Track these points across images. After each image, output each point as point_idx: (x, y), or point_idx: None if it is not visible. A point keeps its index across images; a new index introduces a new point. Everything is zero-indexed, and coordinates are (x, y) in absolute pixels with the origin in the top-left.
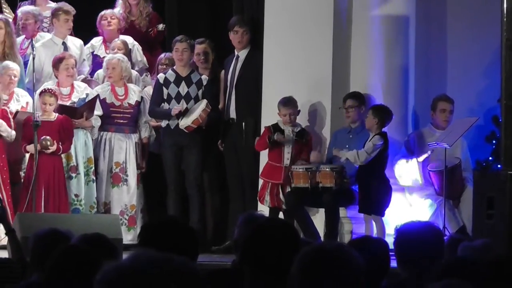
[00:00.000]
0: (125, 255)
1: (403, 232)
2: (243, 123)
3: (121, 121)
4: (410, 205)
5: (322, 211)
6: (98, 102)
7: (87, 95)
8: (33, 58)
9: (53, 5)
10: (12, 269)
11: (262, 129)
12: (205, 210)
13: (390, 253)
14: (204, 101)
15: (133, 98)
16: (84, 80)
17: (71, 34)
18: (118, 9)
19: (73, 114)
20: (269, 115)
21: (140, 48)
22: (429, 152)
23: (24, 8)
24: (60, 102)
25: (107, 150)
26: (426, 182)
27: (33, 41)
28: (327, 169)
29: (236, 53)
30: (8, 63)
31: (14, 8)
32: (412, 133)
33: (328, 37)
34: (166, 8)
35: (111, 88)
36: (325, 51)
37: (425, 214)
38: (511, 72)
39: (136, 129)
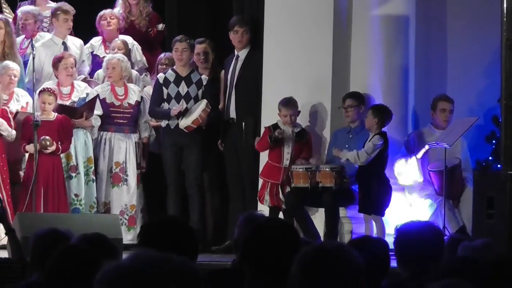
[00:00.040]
0: (125, 255)
1: (403, 232)
2: (243, 123)
3: (121, 121)
4: (410, 205)
5: (322, 211)
6: (98, 102)
7: (87, 94)
8: (33, 58)
9: (53, 5)
10: (12, 269)
11: (262, 129)
12: (205, 210)
13: (390, 253)
14: (204, 101)
15: (133, 98)
16: (84, 81)
17: (71, 34)
18: (118, 9)
19: (73, 113)
20: (269, 115)
21: (139, 48)
22: (426, 147)
23: (24, 8)
24: (60, 101)
25: (107, 150)
26: (426, 182)
27: (33, 41)
28: (327, 169)
29: (236, 53)
30: (8, 63)
31: (14, 8)
32: (412, 133)
33: (328, 37)
34: (166, 8)
35: (111, 88)
36: (325, 51)
37: (425, 214)
38: (511, 72)
39: (136, 129)
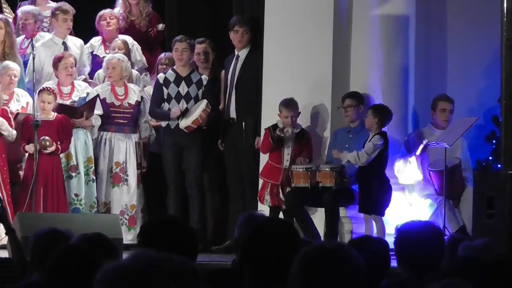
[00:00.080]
0: (125, 255)
1: (403, 232)
2: (243, 123)
3: (121, 121)
4: (410, 204)
5: (322, 210)
6: (98, 102)
7: (87, 94)
8: (33, 58)
9: (53, 4)
10: (12, 269)
11: (262, 129)
12: (205, 210)
13: (390, 253)
14: (204, 101)
15: (133, 98)
16: (84, 81)
17: (71, 34)
18: (118, 9)
19: (73, 113)
20: (269, 114)
21: (139, 47)
22: (424, 142)
23: (24, 8)
24: (60, 101)
25: (107, 150)
26: (426, 182)
27: (33, 41)
28: (327, 169)
29: (236, 52)
30: (9, 63)
31: (14, 8)
32: (412, 132)
33: (328, 37)
34: (166, 8)
35: (111, 88)
36: (325, 51)
37: (425, 214)
38: (511, 72)
39: (136, 129)
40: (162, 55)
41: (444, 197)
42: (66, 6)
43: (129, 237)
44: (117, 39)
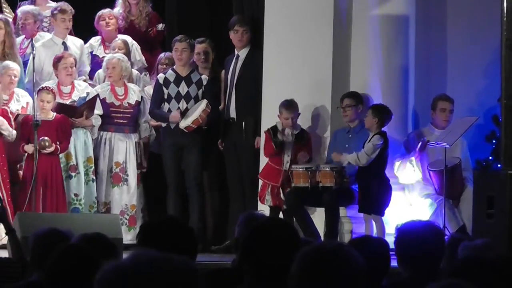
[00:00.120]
0: (125, 255)
1: (404, 231)
2: (243, 123)
3: (121, 121)
4: (410, 204)
5: (322, 210)
6: (98, 101)
7: (87, 94)
8: (33, 58)
9: (53, 4)
10: (12, 269)
11: (262, 129)
12: (205, 210)
13: (391, 253)
14: (204, 101)
15: (133, 98)
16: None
17: (71, 34)
18: (118, 9)
19: (72, 112)
20: (269, 114)
21: (138, 47)
22: (423, 140)
23: (23, 8)
24: (60, 100)
25: (107, 150)
26: (426, 182)
27: (33, 41)
28: (327, 169)
29: (236, 52)
30: (9, 63)
31: (14, 8)
32: (412, 132)
33: (328, 37)
34: (166, 8)
35: (111, 87)
36: (325, 51)
37: (425, 214)
38: (511, 72)
39: (136, 129)
40: (162, 55)
41: (444, 197)
42: (65, 6)
43: (129, 237)
44: (117, 39)
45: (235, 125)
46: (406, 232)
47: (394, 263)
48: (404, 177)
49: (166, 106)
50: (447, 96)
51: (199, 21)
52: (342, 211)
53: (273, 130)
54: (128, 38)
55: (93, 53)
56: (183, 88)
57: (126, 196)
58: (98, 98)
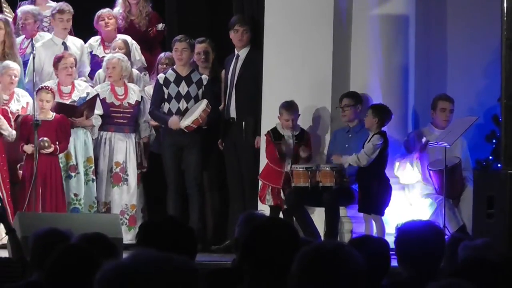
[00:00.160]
0: (125, 255)
1: (404, 231)
2: (243, 123)
3: (121, 120)
4: (410, 204)
5: (322, 210)
6: (98, 101)
7: (87, 94)
8: (33, 58)
9: (53, 4)
10: (12, 269)
11: (262, 129)
12: (205, 209)
13: (391, 253)
14: (204, 101)
15: (133, 98)
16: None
17: (71, 34)
18: (118, 8)
19: (72, 112)
20: (269, 114)
21: (138, 47)
22: (424, 139)
23: (23, 8)
24: (60, 100)
25: (107, 150)
26: (426, 181)
27: (33, 41)
28: (327, 169)
29: (236, 52)
30: (9, 63)
31: (14, 8)
32: (412, 132)
33: (328, 37)
34: (166, 8)
35: (111, 87)
36: (325, 51)
37: (425, 213)
38: (511, 72)
39: (136, 129)
40: (162, 54)
41: (444, 197)
42: (63, 6)
43: (129, 237)
44: (117, 38)
45: (235, 125)
46: (406, 231)
47: (394, 263)
48: (404, 177)
49: (166, 106)
50: (447, 96)
51: (199, 21)
52: (342, 211)
53: (273, 132)
54: (128, 38)
55: (93, 53)
56: (183, 88)
57: (126, 196)
58: (98, 98)
